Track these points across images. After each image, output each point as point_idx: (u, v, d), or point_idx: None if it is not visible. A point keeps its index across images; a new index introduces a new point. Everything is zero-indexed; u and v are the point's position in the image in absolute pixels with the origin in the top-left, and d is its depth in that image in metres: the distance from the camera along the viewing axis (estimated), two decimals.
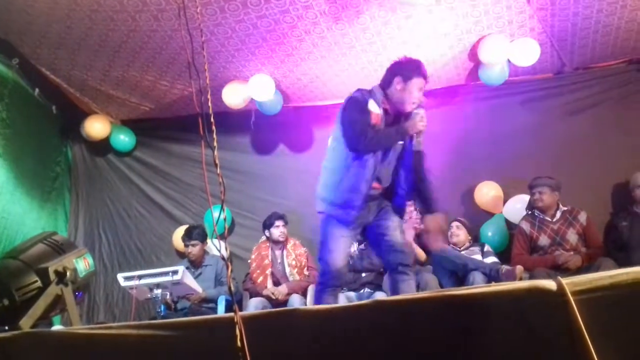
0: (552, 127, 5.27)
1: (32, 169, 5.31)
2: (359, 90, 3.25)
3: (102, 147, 6.05)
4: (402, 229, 3.29)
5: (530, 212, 4.73)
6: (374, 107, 3.12)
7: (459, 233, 4.79)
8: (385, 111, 3.16)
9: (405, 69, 3.18)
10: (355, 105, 3.14)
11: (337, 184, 3.15)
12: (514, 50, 4.75)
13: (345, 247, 3.23)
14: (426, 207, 3.32)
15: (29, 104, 5.27)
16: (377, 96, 3.16)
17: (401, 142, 3.21)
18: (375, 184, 3.19)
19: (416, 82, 3.14)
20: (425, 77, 3.19)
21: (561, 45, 4.90)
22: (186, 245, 5.09)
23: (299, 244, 5.06)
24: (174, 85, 5.33)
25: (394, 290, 3.19)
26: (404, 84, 3.14)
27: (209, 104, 1.98)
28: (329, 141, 3.32)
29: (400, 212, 3.31)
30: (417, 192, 3.30)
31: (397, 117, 3.20)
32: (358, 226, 3.25)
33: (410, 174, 3.26)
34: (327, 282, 3.19)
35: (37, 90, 5.32)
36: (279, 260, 4.99)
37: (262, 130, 5.72)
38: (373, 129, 3.09)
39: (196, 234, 5.07)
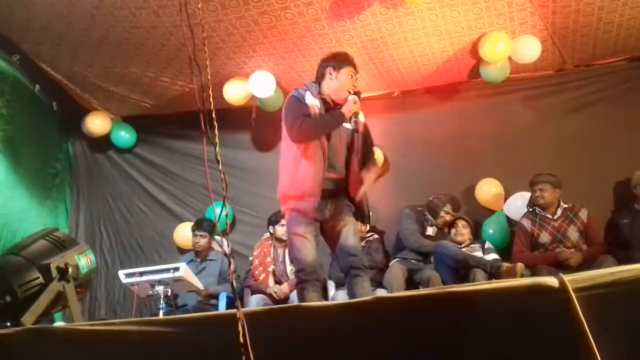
0: (553, 124, 5.27)
1: (32, 165, 5.30)
2: (295, 89, 3.44)
3: (103, 143, 6.04)
4: (355, 230, 3.36)
5: (531, 210, 4.73)
6: (310, 99, 3.31)
7: (464, 232, 4.78)
8: (324, 101, 3.34)
9: (335, 59, 3.39)
10: (292, 100, 3.35)
11: (292, 177, 3.27)
12: (515, 47, 4.75)
13: (312, 241, 3.27)
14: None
15: (30, 100, 5.26)
16: (312, 89, 3.36)
17: (348, 128, 3.32)
18: (329, 174, 3.27)
19: (346, 70, 3.33)
20: (354, 65, 3.38)
21: (562, 43, 4.89)
22: (195, 235, 5.11)
23: None
24: (175, 81, 5.33)
25: (351, 293, 3.26)
26: (335, 73, 3.34)
27: (210, 100, 1.98)
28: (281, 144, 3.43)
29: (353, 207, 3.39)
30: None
31: (335, 106, 3.34)
32: (317, 220, 3.30)
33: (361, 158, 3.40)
34: (303, 278, 3.23)
35: (37, 86, 5.31)
36: (280, 259, 4.98)
37: (263, 126, 5.71)
38: (310, 117, 3.25)
39: (206, 225, 5.10)
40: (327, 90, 3.35)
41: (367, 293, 3.20)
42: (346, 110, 3.22)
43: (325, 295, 4.38)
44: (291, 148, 3.29)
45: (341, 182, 3.35)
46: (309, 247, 3.25)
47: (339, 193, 3.35)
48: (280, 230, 4.93)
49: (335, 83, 3.33)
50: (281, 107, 5.34)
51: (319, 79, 3.40)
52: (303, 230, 3.25)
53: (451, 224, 4.87)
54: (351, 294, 3.25)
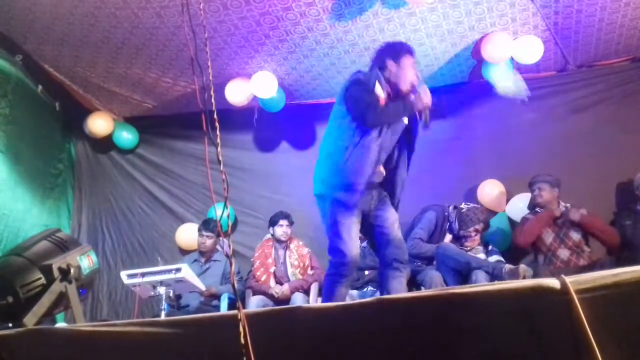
0: (555, 125, 5.26)
1: (34, 165, 5.31)
2: (360, 71, 3.31)
3: (105, 144, 6.05)
4: (398, 222, 3.27)
5: (532, 211, 4.72)
6: (380, 90, 3.15)
7: (476, 238, 4.70)
8: (388, 95, 3.19)
9: (393, 50, 3.29)
10: (362, 84, 3.16)
11: (341, 165, 3.09)
12: (517, 48, 4.74)
13: (356, 233, 3.16)
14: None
15: (32, 100, 5.27)
16: (381, 79, 3.19)
17: (405, 124, 3.26)
18: (379, 167, 3.20)
19: (407, 60, 3.24)
20: (413, 54, 3.30)
21: (564, 43, 4.89)
22: (201, 235, 5.11)
23: (303, 245, 5.04)
24: (177, 82, 5.33)
25: (384, 285, 3.17)
26: (396, 65, 3.22)
27: (212, 101, 1.98)
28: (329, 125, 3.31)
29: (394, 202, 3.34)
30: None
31: (396, 99, 3.21)
32: (359, 212, 3.19)
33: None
34: (342, 272, 3.11)
35: (40, 87, 5.32)
36: (281, 260, 4.98)
37: (265, 127, 5.72)
38: (379, 104, 3.11)
39: (213, 226, 5.09)
40: (389, 81, 3.21)
41: (403, 290, 3.15)
42: (417, 99, 3.13)
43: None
44: (342, 136, 3.13)
45: (386, 176, 3.29)
46: (355, 239, 3.12)
47: (382, 184, 3.30)
48: (279, 231, 4.94)
49: (398, 74, 3.20)
50: (283, 107, 5.43)
51: (381, 70, 3.24)
52: (348, 221, 3.11)
53: None
54: (385, 286, 3.16)
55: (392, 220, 3.23)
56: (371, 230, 3.28)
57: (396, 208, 3.34)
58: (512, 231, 4.99)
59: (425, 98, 3.12)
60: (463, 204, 4.79)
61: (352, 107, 3.11)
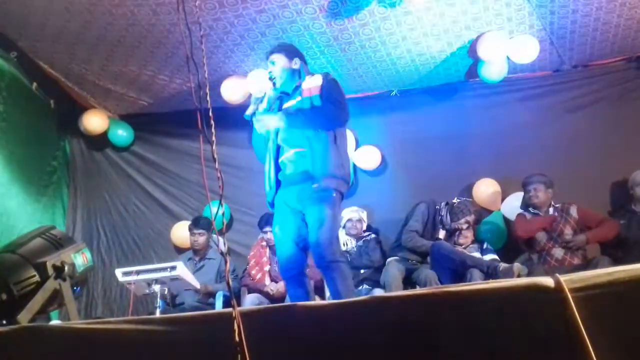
0: (550, 124, 5.27)
1: (29, 163, 5.29)
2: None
3: (100, 141, 6.03)
4: (319, 219, 3.16)
5: (524, 210, 4.73)
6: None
7: (468, 235, 4.71)
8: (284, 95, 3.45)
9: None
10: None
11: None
12: (513, 47, 4.75)
13: (286, 234, 3.30)
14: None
15: (27, 97, 5.25)
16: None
17: (294, 102, 3.40)
18: (284, 155, 3.39)
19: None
20: (269, 53, 3.47)
21: (560, 43, 4.90)
22: (192, 234, 5.10)
23: None
24: (172, 79, 5.32)
25: (328, 291, 3.34)
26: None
27: (208, 98, 1.98)
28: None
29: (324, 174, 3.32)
30: None
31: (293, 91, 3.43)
32: (290, 211, 3.32)
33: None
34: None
35: (35, 84, 5.30)
36: (275, 259, 4.97)
37: None
38: None
39: (203, 223, 5.09)
40: None
41: (339, 285, 3.11)
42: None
43: (322, 295, 4.37)
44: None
45: (303, 159, 3.33)
46: (281, 248, 3.32)
47: (301, 176, 3.30)
48: (266, 236, 4.92)
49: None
50: None
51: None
52: (274, 229, 3.37)
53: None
54: (330, 293, 3.26)
55: (311, 224, 3.15)
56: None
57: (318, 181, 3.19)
58: (508, 228, 5.01)
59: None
60: (455, 199, 4.81)
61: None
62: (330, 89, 3.31)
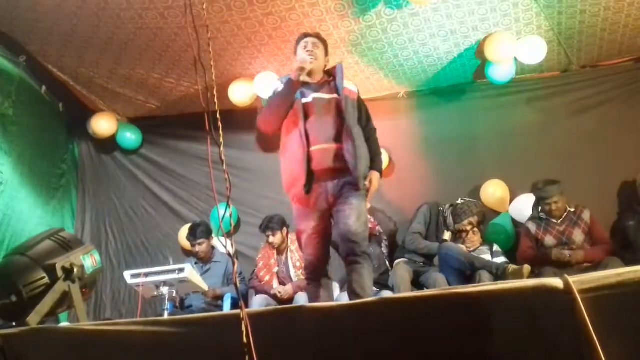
0: (558, 125, 5.25)
1: (38, 166, 5.32)
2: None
3: (109, 144, 6.06)
4: (359, 214, 3.10)
5: (537, 215, 4.68)
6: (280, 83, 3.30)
7: (474, 239, 4.67)
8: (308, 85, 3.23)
9: (295, 44, 3.44)
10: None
11: (283, 165, 3.29)
12: (520, 48, 4.74)
13: (313, 237, 3.22)
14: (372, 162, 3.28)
15: (36, 101, 5.28)
16: (284, 78, 3.30)
17: (326, 97, 3.23)
18: (317, 146, 3.15)
19: (299, 46, 3.36)
20: (308, 36, 3.36)
21: (568, 43, 4.88)
22: (193, 245, 5.07)
23: None
24: (180, 82, 5.34)
25: (348, 281, 3.12)
26: (295, 56, 3.40)
27: (215, 101, 1.98)
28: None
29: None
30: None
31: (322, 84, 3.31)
32: (320, 209, 3.23)
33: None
34: (308, 276, 3.24)
35: (44, 87, 5.33)
36: (283, 262, 4.98)
37: None
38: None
39: (200, 232, 5.05)
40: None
41: (362, 280, 3.03)
42: (293, 73, 3.14)
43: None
44: (281, 141, 3.30)
45: (338, 156, 3.14)
46: (312, 243, 3.16)
47: (338, 171, 3.14)
48: (269, 241, 4.92)
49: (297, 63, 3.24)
50: None
51: None
52: (304, 226, 3.18)
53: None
54: (349, 283, 3.10)
55: (346, 216, 3.07)
56: (335, 230, 3.21)
57: (359, 186, 3.15)
58: (517, 230, 4.99)
59: (296, 64, 3.18)
60: (459, 199, 4.80)
61: None
62: (367, 111, 3.39)
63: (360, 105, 3.35)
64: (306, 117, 3.17)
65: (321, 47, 3.35)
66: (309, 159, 3.11)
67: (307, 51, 3.28)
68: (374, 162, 3.29)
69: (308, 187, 3.11)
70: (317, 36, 3.40)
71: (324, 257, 3.23)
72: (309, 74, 3.19)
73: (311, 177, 3.12)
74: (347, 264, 3.11)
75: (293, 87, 3.16)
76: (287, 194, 3.30)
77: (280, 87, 3.28)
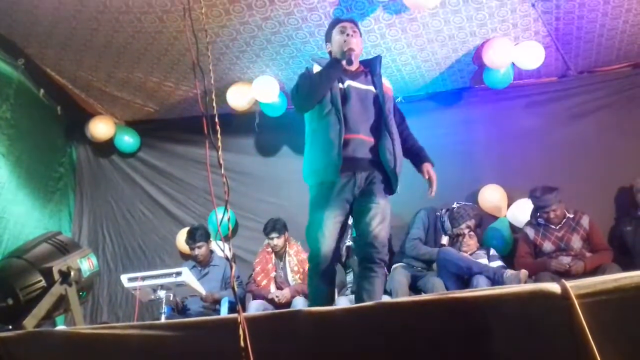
0: (556, 130, 5.26)
1: (36, 169, 5.32)
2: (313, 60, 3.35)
3: (107, 148, 6.06)
4: (384, 217, 3.01)
5: (535, 220, 4.69)
6: (317, 68, 3.18)
7: (470, 243, 4.68)
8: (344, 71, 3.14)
9: (329, 27, 3.32)
10: (300, 76, 3.21)
11: (311, 151, 3.16)
12: (518, 54, 4.75)
13: (328, 227, 3.00)
14: (416, 160, 3.27)
15: (34, 104, 5.28)
16: (321, 61, 3.22)
17: (366, 89, 3.16)
18: (350, 134, 3.03)
19: (336, 30, 3.21)
20: (345, 21, 3.25)
21: (566, 49, 4.90)
22: (192, 249, 5.06)
23: (302, 249, 5.02)
24: (178, 86, 5.34)
25: (359, 287, 3.01)
26: (330, 43, 3.26)
27: (214, 105, 1.98)
28: None
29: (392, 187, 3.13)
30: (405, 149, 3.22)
31: (357, 73, 3.22)
32: (344, 199, 3.06)
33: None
34: (314, 269, 3.04)
35: (42, 90, 5.33)
36: (280, 266, 4.98)
37: (266, 132, 5.73)
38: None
39: (199, 235, 5.04)
40: (335, 55, 3.19)
41: (374, 291, 2.92)
42: (336, 50, 3.12)
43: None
44: (308, 125, 3.16)
45: (373, 150, 3.05)
46: (325, 234, 2.95)
47: (372, 164, 3.05)
48: (271, 243, 4.92)
49: (334, 48, 3.19)
50: (285, 111, 5.44)
51: (330, 52, 3.28)
52: (324, 214, 2.96)
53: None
54: (358, 288, 3.01)
55: (372, 217, 2.95)
56: (355, 223, 3.09)
57: (393, 187, 3.11)
58: (514, 234, 4.99)
59: (342, 44, 3.10)
60: (455, 203, 4.80)
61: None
62: (402, 115, 3.38)
63: (395, 103, 3.31)
64: (343, 103, 3.04)
65: (358, 33, 3.22)
66: (344, 146, 2.97)
67: (348, 35, 3.13)
68: (424, 154, 3.28)
69: (338, 173, 2.95)
70: (354, 21, 3.30)
71: (334, 251, 3.00)
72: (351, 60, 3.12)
73: (344, 163, 2.96)
74: (362, 268, 3.00)
75: (339, 67, 3.08)
76: (305, 182, 3.13)
77: (316, 68, 3.18)
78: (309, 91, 3.05)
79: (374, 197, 3.01)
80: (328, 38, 3.29)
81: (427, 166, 3.23)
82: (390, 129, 3.09)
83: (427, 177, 3.19)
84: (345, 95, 3.07)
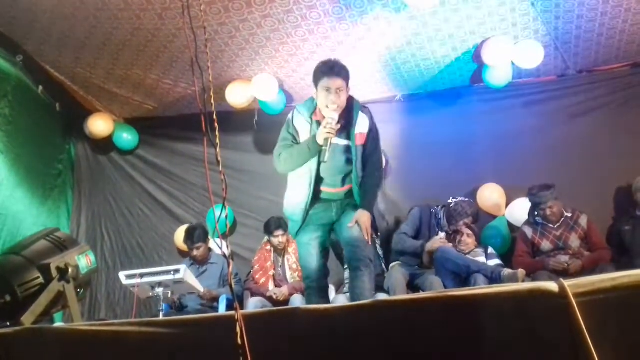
0: (555, 129, 5.27)
1: (34, 166, 5.31)
2: (296, 107, 3.30)
3: (105, 145, 6.05)
4: (360, 223, 3.18)
5: (533, 219, 4.69)
6: (299, 122, 3.19)
7: (469, 241, 4.68)
8: (319, 122, 3.12)
9: (314, 75, 3.17)
10: (284, 125, 3.26)
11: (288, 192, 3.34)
12: (517, 53, 4.75)
13: (314, 247, 3.27)
14: (360, 202, 3.26)
15: (33, 101, 5.27)
16: (303, 110, 3.20)
17: (345, 143, 3.18)
18: (325, 188, 3.23)
19: (321, 85, 3.10)
20: (333, 75, 3.08)
21: (565, 48, 4.89)
22: (191, 249, 5.04)
23: None
24: (177, 83, 5.34)
25: (350, 287, 3.28)
26: (315, 90, 3.15)
27: (212, 102, 1.98)
28: None
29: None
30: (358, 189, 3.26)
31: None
32: (321, 226, 3.28)
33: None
34: (307, 284, 3.32)
35: (40, 87, 5.32)
36: (279, 264, 4.98)
37: (265, 129, 5.71)
38: (288, 148, 3.18)
39: (197, 236, 5.00)
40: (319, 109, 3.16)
41: (365, 288, 3.13)
42: (318, 135, 3.02)
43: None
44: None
45: (347, 192, 3.27)
46: (312, 253, 3.25)
47: (345, 199, 3.29)
48: (275, 241, 4.93)
49: (319, 101, 3.12)
50: (283, 109, 5.44)
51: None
52: (306, 238, 3.26)
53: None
54: (351, 287, 3.24)
55: (350, 225, 3.17)
56: (338, 236, 3.33)
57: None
58: (513, 234, 4.99)
59: (324, 132, 3.00)
60: (450, 198, 4.79)
61: None
62: (375, 148, 3.29)
63: (368, 142, 3.25)
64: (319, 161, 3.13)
65: (345, 88, 3.13)
66: (314, 195, 3.21)
67: (332, 102, 3.06)
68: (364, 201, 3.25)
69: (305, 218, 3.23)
70: (340, 74, 3.12)
71: (324, 269, 3.33)
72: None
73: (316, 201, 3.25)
74: (350, 269, 3.25)
75: (317, 148, 3.07)
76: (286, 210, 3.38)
77: (298, 120, 3.21)
78: (289, 165, 3.22)
79: (348, 213, 3.25)
80: (314, 84, 3.16)
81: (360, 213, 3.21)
82: (357, 181, 3.21)
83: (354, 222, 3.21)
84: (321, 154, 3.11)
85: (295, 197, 3.25)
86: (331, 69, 3.10)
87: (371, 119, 3.27)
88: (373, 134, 3.26)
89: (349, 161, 3.20)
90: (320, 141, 3.02)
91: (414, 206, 4.90)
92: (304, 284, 3.41)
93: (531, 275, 4.27)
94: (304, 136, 3.17)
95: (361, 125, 3.20)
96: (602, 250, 4.47)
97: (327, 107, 3.06)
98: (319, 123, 3.12)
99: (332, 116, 3.03)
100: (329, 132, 3.00)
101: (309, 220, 3.24)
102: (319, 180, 3.19)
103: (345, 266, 4.65)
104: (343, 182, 3.25)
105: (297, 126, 3.20)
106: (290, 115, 3.27)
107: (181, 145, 6.00)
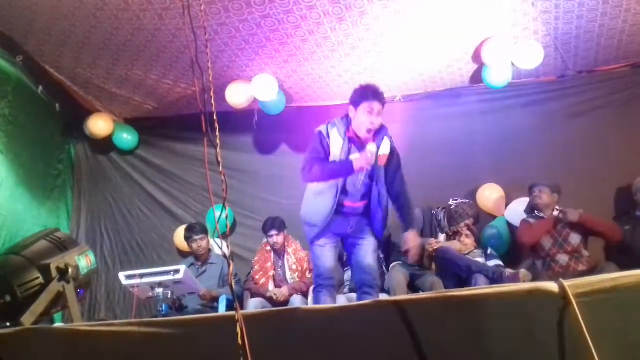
0: (555, 130, 5.27)
1: (34, 166, 5.31)
2: (328, 121, 3.50)
3: (105, 145, 6.05)
4: (374, 249, 3.55)
5: (530, 214, 4.71)
6: (335, 137, 3.39)
7: (468, 242, 4.70)
8: (351, 139, 3.39)
9: (355, 96, 3.41)
10: (315, 138, 3.44)
11: (306, 203, 3.57)
12: (517, 53, 4.75)
13: (329, 250, 3.54)
14: (403, 224, 3.54)
15: (33, 101, 5.27)
16: (340, 126, 3.41)
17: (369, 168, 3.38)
18: (347, 202, 3.45)
19: (364, 107, 3.33)
20: (375, 99, 3.34)
21: (565, 49, 4.89)
22: (194, 241, 5.02)
23: (300, 248, 5.02)
24: (177, 84, 5.34)
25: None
26: (355, 111, 3.37)
27: (212, 102, 1.98)
28: None
29: (377, 235, 3.57)
30: (395, 208, 3.56)
31: (365, 143, 3.37)
32: (336, 235, 3.55)
33: (386, 191, 3.51)
34: (320, 282, 3.52)
35: (40, 87, 5.32)
36: (279, 264, 4.98)
37: (265, 130, 5.72)
38: (321, 162, 3.36)
39: (199, 228, 5.05)
40: (354, 127, 3.37)
41: None
42: (356, 162, 3.25)
43: None
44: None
45: (365, 207, 3.50)
46: (327, 255, 3.50)
47: (362, 214, 3.52)
48: (271, 241, 4.93)
49: (355, 122, 3.36)
50: (283, 109, 5.44)
51: (348, 115, 3.42)
52: (322, 241, 3.51)
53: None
54: None
55: (365, 250, 3.50)
56: (349, 254, 3.70)
57: (380, 235, 3.59)
58: (512, 234, 4.99)
59: (363, 163, 3.23)
60: (451, 200, 4.80)
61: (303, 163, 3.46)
62: (399, 166, 3.55)
63: (391, 165, 3.51)
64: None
65: (382, 112, 3.39)
66: (338, 207, 3.43)
67: (372, 123, 3.32)
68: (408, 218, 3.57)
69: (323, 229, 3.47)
70: (381, 99, 3.40)
71: (335, 271, 3.61)
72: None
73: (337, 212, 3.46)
74: (360, 293, 3.51)
75: (351, 174, 3.34)
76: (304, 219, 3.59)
77: (333, 133, 3.39)
78: (318, 178, 3.40)
79: (365, 235, 3.54)
80: (355, 104, 3.37)
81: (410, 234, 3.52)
82: (379, 202, 3.48)
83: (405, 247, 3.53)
84: None
85: (318, 206, 3.45)
86: (375, 93, 3.37)
87: (392, 141, 3.53)
88: (395, 154, 3.53)
89: (371, 179, 3.44)
90: (356, 168, 3.26)
91: (416, 207, 4.89)
92: (314, 282, 3.59)
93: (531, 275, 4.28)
94: (335, 150, 3.38)
95: (384, 147, 3.44)
96: (607, 224, 4.54)
97: (368, 126, 3.31)
98: (351, 140, 3.38)
99: (372, 150, 3.26)
100: (368, 164, 3.24)
101: (327, 228, 3.46)
102: (343, 192, 3.42)
103: (347, 268, 4.67)
104: (362, 198, 3.48)
105: (331, 140, 3.39)
106: (323, 128, 3.43)
107: (181, 146, 6.00)
